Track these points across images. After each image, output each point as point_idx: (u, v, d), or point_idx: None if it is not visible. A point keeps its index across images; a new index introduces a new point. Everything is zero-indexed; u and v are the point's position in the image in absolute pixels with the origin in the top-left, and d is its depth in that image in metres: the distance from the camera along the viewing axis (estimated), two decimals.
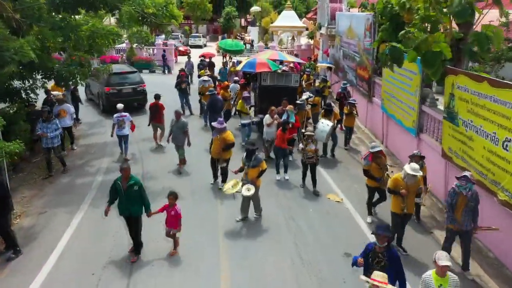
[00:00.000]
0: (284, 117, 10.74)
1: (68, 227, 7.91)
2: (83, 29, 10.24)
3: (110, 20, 26.13)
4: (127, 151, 11.47)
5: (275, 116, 10.75)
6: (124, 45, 29.29)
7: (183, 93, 15.71)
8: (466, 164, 7.69)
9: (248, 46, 37.95)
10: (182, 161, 10.60)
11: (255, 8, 41.23)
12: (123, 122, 11.13)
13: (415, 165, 6.80)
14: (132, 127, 11.55)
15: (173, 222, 6.90)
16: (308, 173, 9.40)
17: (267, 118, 10.89)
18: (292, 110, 10.84)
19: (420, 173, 6.98)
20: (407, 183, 6.75)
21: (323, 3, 22.50)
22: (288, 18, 29.21)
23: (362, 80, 15.08)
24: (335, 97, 15.32)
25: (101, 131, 14.02)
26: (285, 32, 32.45)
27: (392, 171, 8.57)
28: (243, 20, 70.08)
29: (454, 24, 9.00)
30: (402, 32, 9.39)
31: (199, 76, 17.27)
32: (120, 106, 11.38)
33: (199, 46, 47.32)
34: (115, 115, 11.24)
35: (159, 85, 18.24)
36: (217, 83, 16.53)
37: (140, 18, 11.63)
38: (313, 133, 9.40)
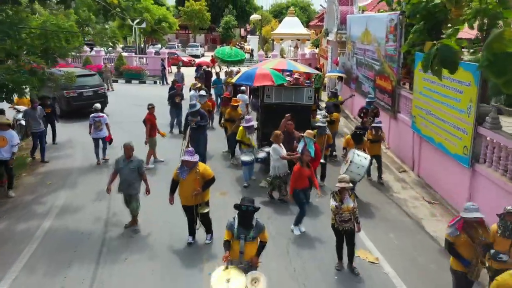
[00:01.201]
0: (301, 146, 8.13)
1: None
2: (32, 25, 7.82)
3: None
4: (105, 152, 10.88)
5: (295, 146, 8.60)
6: (113, 54, 27.04)
7: (176, 108, 13.34)
8: None
9: (248, 55, 35.74)
10: (134, 220, 7.49)
11: (255, 16, 39.19)
12: (100, 124, 10.51)
13: None
14: (108, 137, 10.75)
15: None
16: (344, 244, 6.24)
17: (275, 150, 8.28)
18: (311, 138, 8.16)
19: None
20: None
21: (331, 6, 20.21)
22: (290, 25, 26.90)
23: (383, 92, 12.65)
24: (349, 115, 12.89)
25: (67, 154, 11.51)
26: (287, 40, 30.13)
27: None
28: (242, 29, 68.29)
29: None
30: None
31: (190, 89, 14.82)
32: (97, 105, 10.86)
33: (197, 56, 45.08)
34: (91, 115, 10.61)
35: (147, 98, 15.69)
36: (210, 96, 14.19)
37: (101, 10, 9.14)
38: (349, 184, 6.02)
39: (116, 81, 24.90)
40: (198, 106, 9.92)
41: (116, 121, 13.36)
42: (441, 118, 8.71)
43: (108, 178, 7.57)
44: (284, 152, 8.28)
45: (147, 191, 7.26)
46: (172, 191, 6.74)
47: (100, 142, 10.66)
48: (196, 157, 6.54)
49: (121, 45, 45.66)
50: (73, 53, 11.22)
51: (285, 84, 10.69)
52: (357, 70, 15.85)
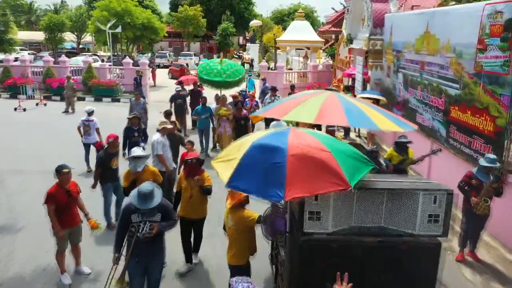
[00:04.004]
0: None
1: None
2: None
3: None
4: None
5: None
6: (80, 62, 22.21)
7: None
8: None
9: (247, 66, 31.02)
10: None
11: (255, 22, 34.59)
12: (88, 128, 9.87)
13: None
14: (98, 144, 9.78)
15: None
16: None
17: None
18: None
19: None
20: None
21: (358, 5, 15.45)
22: (300, 30, 22.11)
23: (468, 132, 7.78)
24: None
25: None
26: (294, 49, 25.27)
27: None
28: (241, 37, 63.80)
29: None
30: None
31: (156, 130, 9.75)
32: (89, 108, 10.16)
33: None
34: (82, 118, 10.05)
35: (109, 126, 10.85)
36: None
37: None
38: None
39: (83, 99, 20.05)
40: (158, 198, 4.49)
41: None
42: None
43: None
44: None
45: None
46: None
47: (92, 147, 9.94)
48: None
49: (102, 53, 41.00)
50: None
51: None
52: (405, 91, 11.00)
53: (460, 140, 8.03)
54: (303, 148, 3.53)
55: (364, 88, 13.95)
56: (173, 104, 13.31)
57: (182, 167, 6.31)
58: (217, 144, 11.64)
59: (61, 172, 5.52)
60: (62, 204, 5.51)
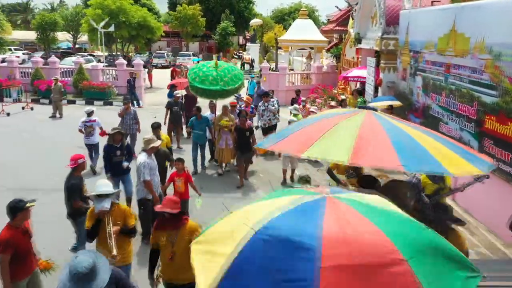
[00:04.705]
0: None
1: None
2: None
3: None
4: (96, 161, 9.70)
5: None
6: (72, 63, 21.03)
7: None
8: None
9: (247, 66, 29.85)
10: None
11: (255, 21, 33.36)
12: (91, 129, 9.72)
13: None
14: (102, 133, 9.62)
15: None
16: None
17: None
18: None
19: None
20: None
21: (366, 2, 14.29)
22: (303, 30, 20.93)
23: (511, 147, 6.63)
24: None
25: None
26: (297, 49, 24.08)
27: None
28: (241, 37, 62.65)
29: None
30: None
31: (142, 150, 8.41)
32: (88, 109, 10.00)
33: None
34: (82, 119, 9.81)
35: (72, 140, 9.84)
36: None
37: None
38: None
39: (73, 102, 18.87)
40: (104, 276, 3.04)
41: None
42: None
43: None
44: None
45: None
46: None
47: (92, 150, 9.83)
48: None
49: (100, 53, 39.62)
50: None
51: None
52: (425, 96, 9.84)
53: (498, 156, 6.87)
54: (351, 251, 1.88)
55: (376, 92, 12.78)
56: (169, 111, 11.93)
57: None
58: (217, 159, 10.23)
59: (23, 209, 4.31)
60: (22, 250, 4.33)
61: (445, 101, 8.79)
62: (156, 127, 8.17)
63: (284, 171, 9.68)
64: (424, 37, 9.80)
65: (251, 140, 9.44)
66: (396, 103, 10.81)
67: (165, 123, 11.32)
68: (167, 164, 7.57)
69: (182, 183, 6.65)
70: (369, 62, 12.86)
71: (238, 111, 10.44)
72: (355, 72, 15.20)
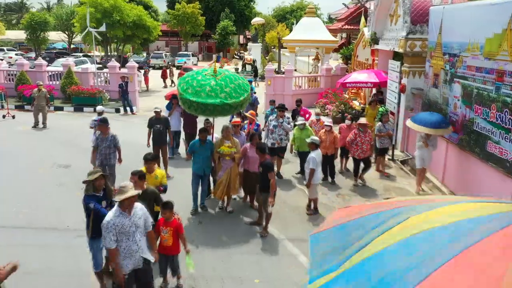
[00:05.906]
0: None
1: None
2: None
3: None
4: None
5: None
6: (60, 67, 19.46)
7: None
8: None
9: (249, 67, 28.27)
10: None
11: (257, 20, 31.81)
12: None
13: None
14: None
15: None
16: None
17: None
18: None
19: None
20: None
21: None
22: (310, 28, 19.32)
23: None
24: None
25: None
26: (304, 49, 22.47)
27: None
28: (241, 36, 61.11)
29: None
30: None
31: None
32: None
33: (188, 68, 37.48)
34: (93, 118, 9.97)
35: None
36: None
37: None
38: None
39: (61, 109, 17.31)
40: None
41: None
42: None
43: None
44: None
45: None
46: None
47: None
48: None
49: (97, 53, 37.94)
50: None
51: None
52: (465, 108, 8.26)
53: None
54: None
55: (399, 100, 11.18)
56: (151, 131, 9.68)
57: None
58: (213, 195, 7.95)
59: None
60: None
61: (495, 116, 7.23)
62: (149, 159, 6.26)
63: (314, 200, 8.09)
64: (465, 37, 8.21)
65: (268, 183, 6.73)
66: (445, 131, 8.69)
67: (148, 145, 9.53)
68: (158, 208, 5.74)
69: (170, 235, 5.03)
70: (392, 65, 11.28)
71: (246, 132, 8.50)
72: (353, 77, 13.52)
